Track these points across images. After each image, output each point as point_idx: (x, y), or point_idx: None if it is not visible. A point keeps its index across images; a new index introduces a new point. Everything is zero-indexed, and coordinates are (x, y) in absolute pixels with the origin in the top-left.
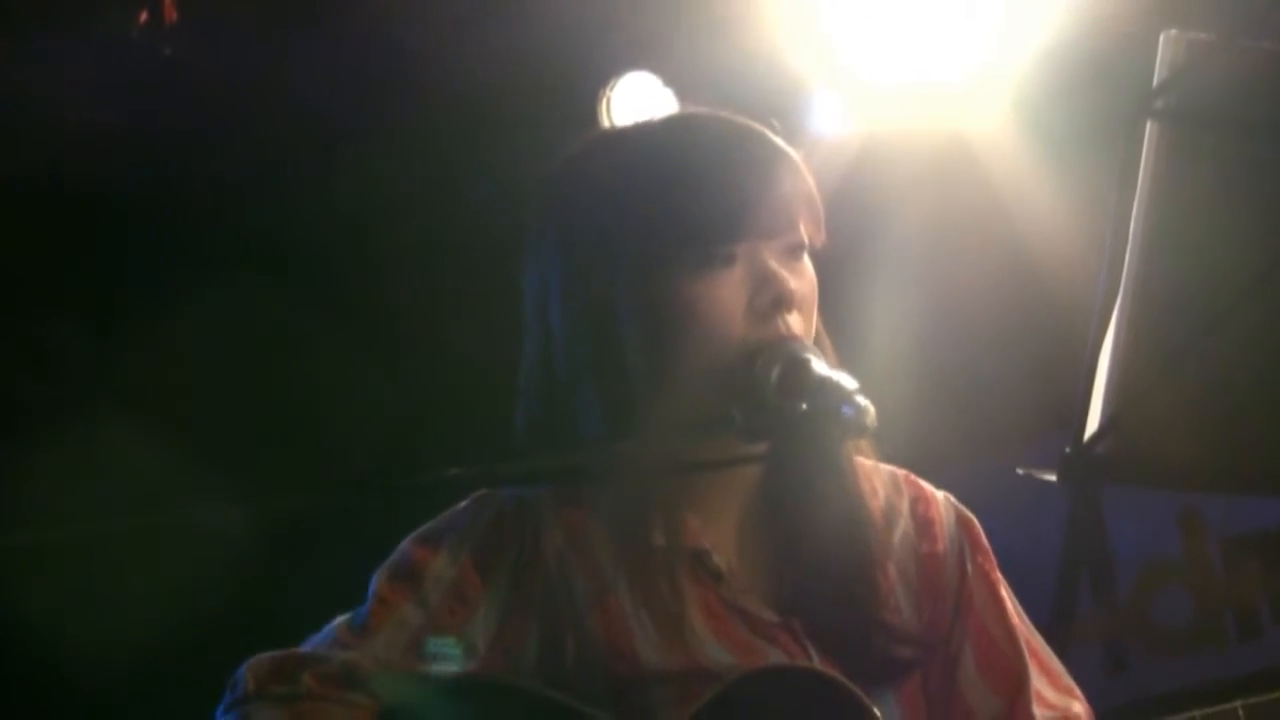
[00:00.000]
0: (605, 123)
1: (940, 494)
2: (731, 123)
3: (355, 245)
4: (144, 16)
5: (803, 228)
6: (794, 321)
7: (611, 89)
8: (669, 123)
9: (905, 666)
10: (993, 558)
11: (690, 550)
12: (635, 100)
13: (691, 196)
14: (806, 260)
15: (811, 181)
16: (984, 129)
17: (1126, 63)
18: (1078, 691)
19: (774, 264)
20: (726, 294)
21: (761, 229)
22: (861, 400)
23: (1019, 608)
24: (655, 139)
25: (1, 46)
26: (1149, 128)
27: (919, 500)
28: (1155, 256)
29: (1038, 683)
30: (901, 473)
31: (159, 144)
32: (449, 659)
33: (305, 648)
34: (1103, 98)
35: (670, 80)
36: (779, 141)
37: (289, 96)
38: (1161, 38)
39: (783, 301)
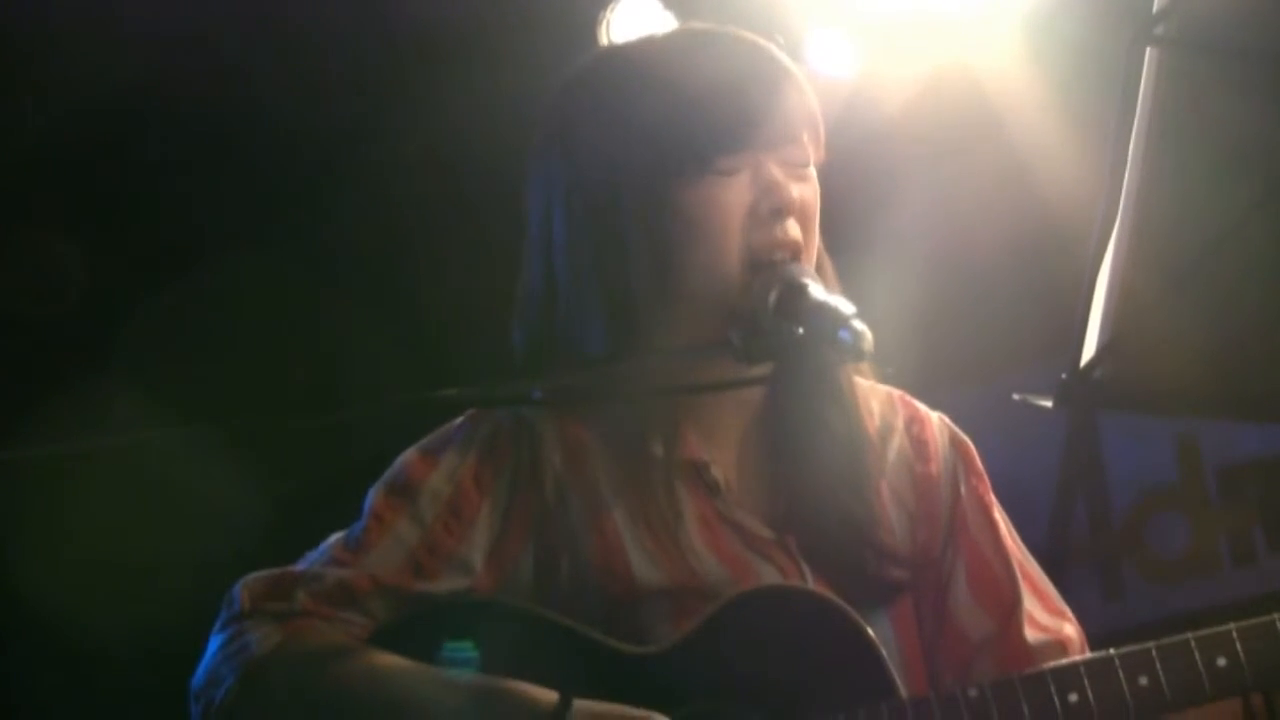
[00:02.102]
0: (605, 44)
1: (935, 415)
2: (736, 37)
3: (351, 171)
4: None
5: (805, 141)
6: (793, 229)
7: (611, 11)
8: (673, 37)
9: (897, 587)
10: (986, 480)
11: (689, 462)
12: (635, 22)
13: (696, 108)
14: (812, 172)
15: (814, 98)
16: (985, 56)
17: None
18: (1069, 613)
19: (778, 173)
20: (728, 200)
21: (764, 140)
22: (859, 325)
23: (1012, 530)
24: (660, 53)
25: None
26: (1148, 54)
27: (914, 421)
28: (1154, 182)
29: (1029, 604)
30: (897, 393)
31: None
32: (467, 663)
33: (301, 565)
34: (1103, 23)
35: (670, 2)
36: (783, 57)
37: (274, 13)
38: None
39: (784, 209)
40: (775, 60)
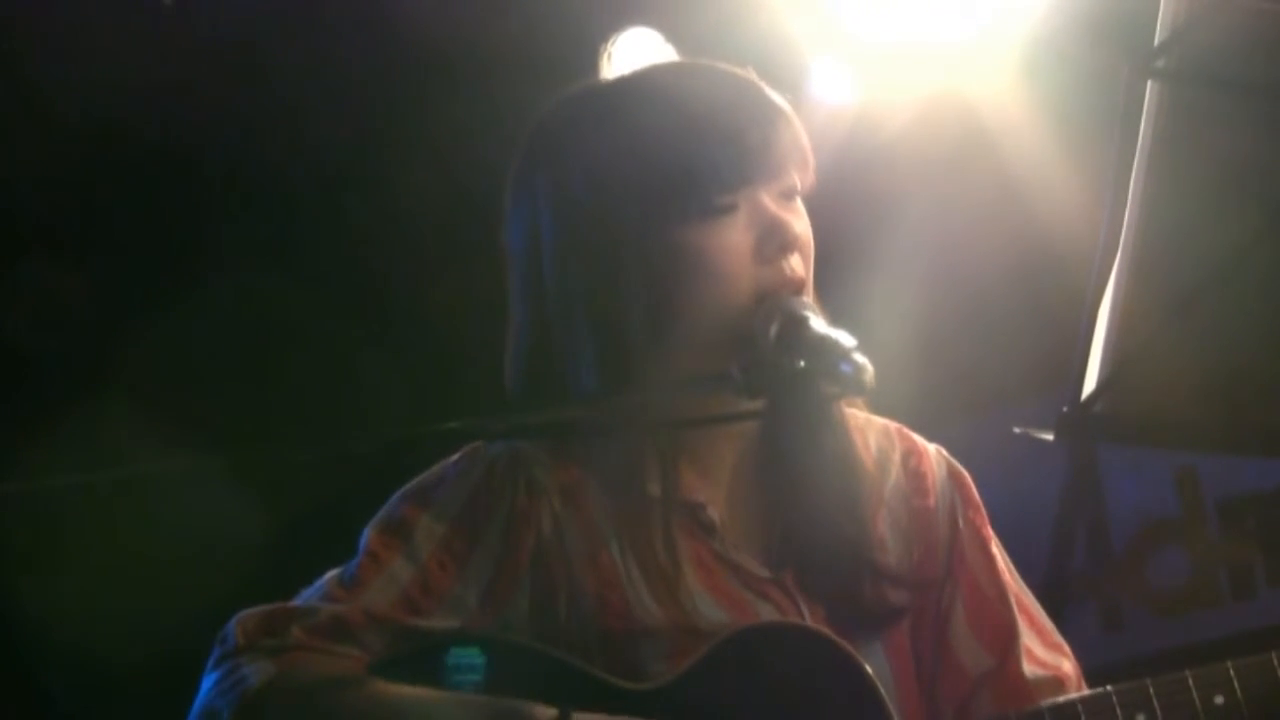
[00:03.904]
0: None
1: (932, 447)
2: (721, 71)
3: (348, 205)
4: None
5: (794, 171)
6: (798, 265)
7: (612, 44)
8: (659, 72)
9: (894, 612)
10: (984, 512)
11: (684, 503)
12: (637, 56)
13: (692, 149)
14: (799, 202)
15: (799, 124)
16: (986, 88)
17: (1128, 21)
18: (1067, 649)
19: (775, 209)
20: (733, 240)
21: (759, 175)
22: (859, 358)
23: (1010, 564)
24: (649, 88)
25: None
26: (1149, 87)
27: (911, 453)
28: (1154, 216)
29: (1028, 639)
30: (894, 425)
31: (152, 104)
32: (472, 669)
33: (296, 602)
34: (1104, 57)
35: (672, 36)
36: (766, 88)
37: (287, 53)
38: None
39: (789, 246)
40: (761, 93)
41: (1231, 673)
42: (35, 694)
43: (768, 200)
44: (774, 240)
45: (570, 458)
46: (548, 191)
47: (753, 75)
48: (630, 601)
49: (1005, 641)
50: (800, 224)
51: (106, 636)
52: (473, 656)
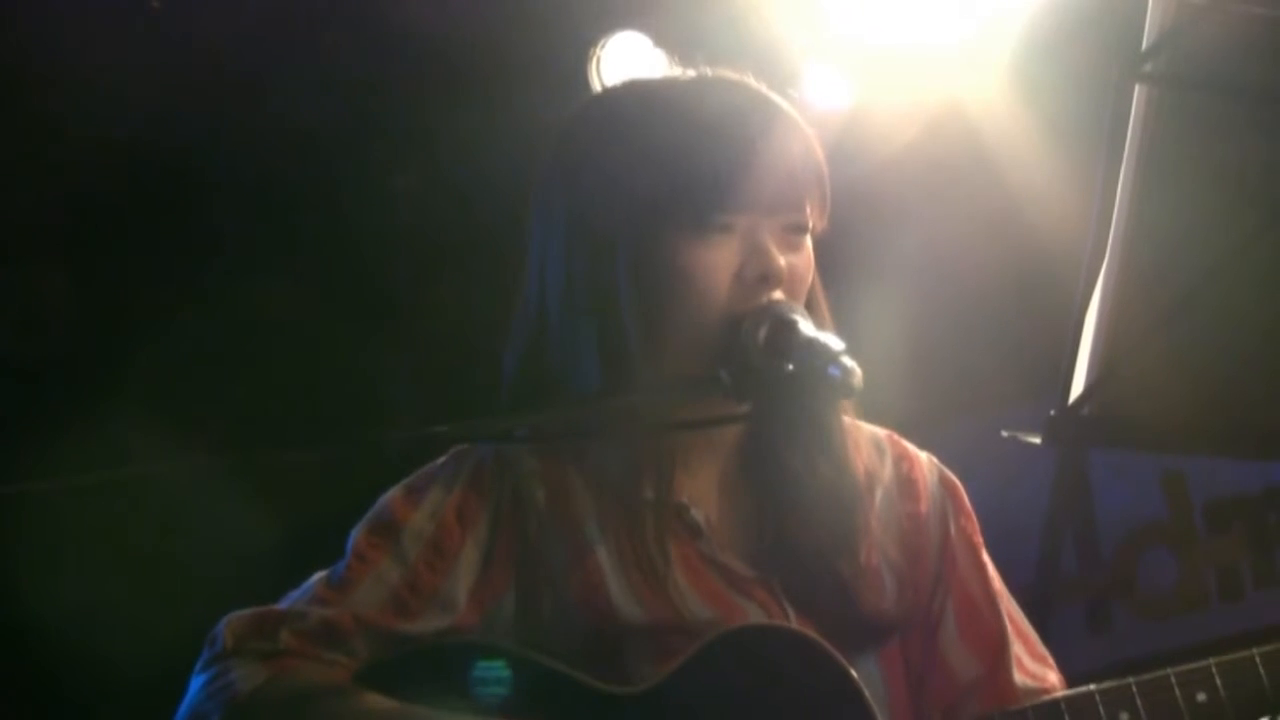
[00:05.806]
0: (595, 81)
1: (924, 455)
2: (750, 91)
3: (339, 204)
4: None
5: (808, 209)
6: (777, 297)
7: (601, 48)
8: (684, 85)
9: (882, 634)
10: (975, 521)
11: (671, 504)
12: (625, 59)
13: (694, 164)
14: (807, 241)
15: (823, 164)
16: (974, 91)
17: (1117, 24)
18: (1052, 660)
19: (769, 240)
20: (717, 261)
21: (763, 204)
22: (848, 361)
23: (997, 573)
24: (668, 100)
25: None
26: (1137, 90)
27: (902, 460)
28: (1142, 219)
29: (1017, 648)
30: (884, 432)
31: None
32: (497, 681)
33: (284, 604)
34: (1092, 60)
35: (660, 39)
36: (796, 116)
37: (278, 54)
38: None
39: (770, 277)
40: (787, 121)
41: (1214, 670)
42: (37, 693)
43: (766, 232)
44: (754, 267)
45: (557, 459)
46: (562, 194)
47: (780, 99)
48: (615, 602)
49: (996, 649)
50: (792, 259)
51: (108, 637)
52: (498, 670)
